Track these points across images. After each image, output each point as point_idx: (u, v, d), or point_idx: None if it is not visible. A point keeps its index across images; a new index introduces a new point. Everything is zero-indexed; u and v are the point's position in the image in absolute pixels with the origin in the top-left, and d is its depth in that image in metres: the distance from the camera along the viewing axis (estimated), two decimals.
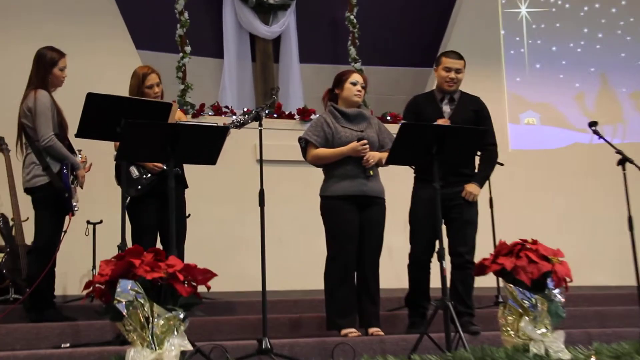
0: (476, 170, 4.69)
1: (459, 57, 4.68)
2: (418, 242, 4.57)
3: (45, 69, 4.55)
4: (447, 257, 4.23)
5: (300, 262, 6.89)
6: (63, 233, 4.63)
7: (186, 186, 4.87)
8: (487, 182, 6.01)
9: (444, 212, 4.43)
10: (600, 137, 5.09)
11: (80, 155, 4.66)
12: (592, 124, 5.11)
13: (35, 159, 4.48)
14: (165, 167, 4.57)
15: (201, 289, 3.15)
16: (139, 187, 4.69)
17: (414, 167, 4.74)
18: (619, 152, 5.01)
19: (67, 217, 4.55)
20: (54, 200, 4.47)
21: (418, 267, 4.58)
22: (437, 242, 3.94)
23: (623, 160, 4.98)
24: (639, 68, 8.71)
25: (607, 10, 8.80)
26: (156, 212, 4.70)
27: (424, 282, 4.60)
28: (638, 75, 8.71)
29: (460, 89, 4.74)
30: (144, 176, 4.73)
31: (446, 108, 4.65)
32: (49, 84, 4.56)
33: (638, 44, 8.74)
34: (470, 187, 4.58)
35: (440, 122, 4.47)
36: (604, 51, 8.69)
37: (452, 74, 4.61)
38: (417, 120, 4.52)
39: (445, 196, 4.41)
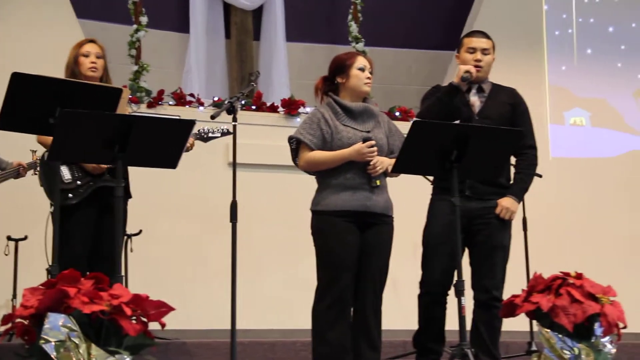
0: (512, 181, 4.66)
1: (485, 36, 4.75)
2: (432, 269, 4.53)
3: None
4: (469, 292, 4.23)
5: (281, 295, 6.89)
6: None
7: (130, 196, 4.84)
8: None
9: (468, 233, 4.44)
10: None
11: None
12: None
13: None
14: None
15: (153, 326, 3.15)
16: (71, 194, 4.64)
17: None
18: None
19: None
20: None
21: (431, 301, 4.56)
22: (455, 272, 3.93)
23: None
24: None
25: None
26: (91, 228, 4.68)
27: (438, 320, 4.57)
28: None
29: (490, 81, 4.77)
30: (78, 181, 4.69)
31: (475, 99, 4.67)
32: None
33: None
34: (507, 202, 4.53)
35: (463, 68, 4.50)
36: None
37: (478, 55, 4.65)
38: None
39: (471, 213, 4.42)
